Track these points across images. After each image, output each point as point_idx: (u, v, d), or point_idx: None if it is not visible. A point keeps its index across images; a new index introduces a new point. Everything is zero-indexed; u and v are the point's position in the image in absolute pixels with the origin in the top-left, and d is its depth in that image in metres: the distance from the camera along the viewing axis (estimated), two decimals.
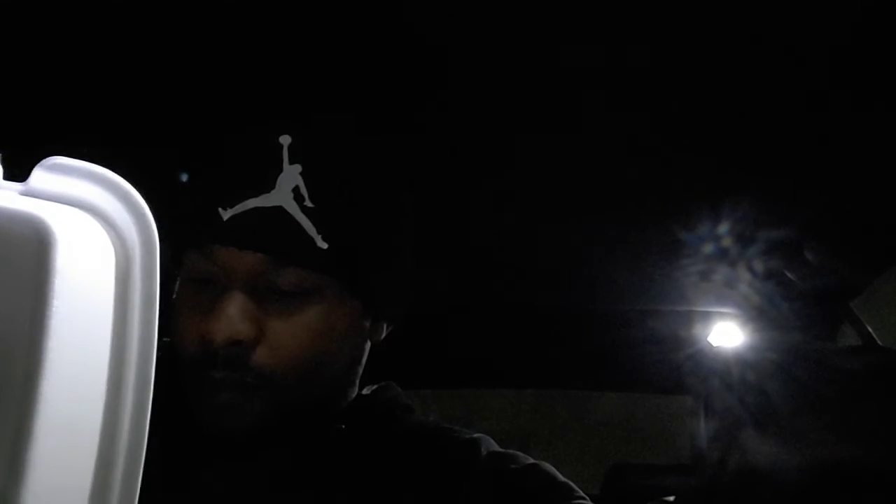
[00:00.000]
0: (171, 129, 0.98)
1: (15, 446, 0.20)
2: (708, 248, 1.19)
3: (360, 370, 0.71)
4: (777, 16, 0.76)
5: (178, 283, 0.65)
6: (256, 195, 0.60)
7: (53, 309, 0.21)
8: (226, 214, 0.60)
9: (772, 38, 0.79)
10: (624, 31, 0.80)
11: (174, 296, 0.65)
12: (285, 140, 0.62)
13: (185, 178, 0.80)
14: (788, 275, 1.25)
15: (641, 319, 1.54)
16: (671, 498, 0.97)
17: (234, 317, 0.59)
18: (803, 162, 1.02)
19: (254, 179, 0.61)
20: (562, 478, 0.66)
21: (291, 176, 0.61)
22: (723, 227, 1.13)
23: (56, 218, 0.22)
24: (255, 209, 0.60)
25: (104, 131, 0.98)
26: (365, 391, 0.73)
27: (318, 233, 0.60)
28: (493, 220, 1.23)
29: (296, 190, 0.61)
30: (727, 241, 1.16)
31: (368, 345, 0.70)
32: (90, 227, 0.23)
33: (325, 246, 0.61)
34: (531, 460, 0.68)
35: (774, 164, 1.03)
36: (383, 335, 0.71)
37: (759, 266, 1.24)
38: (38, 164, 0.24)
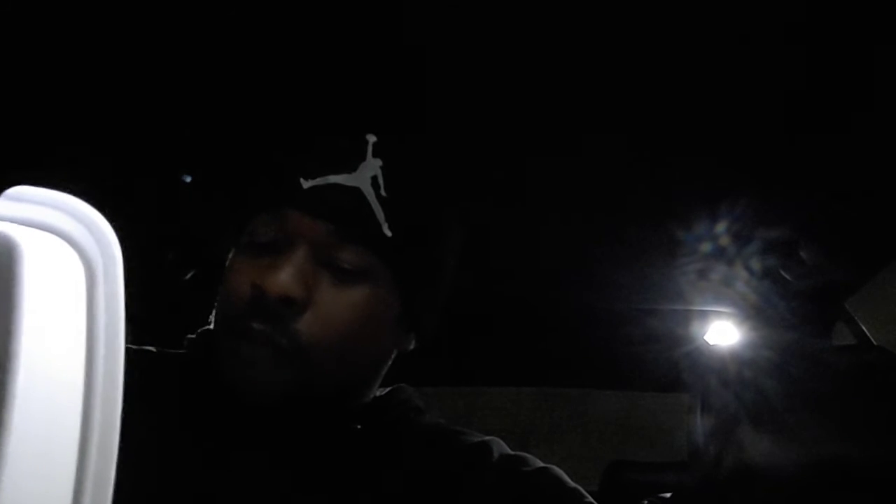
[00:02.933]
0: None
1: None
2: (705, 247, 1.20)
3: (382, 374, 0.72)
4: (772, 16, 0.76)
5: (236, 248, 0.66)
6: (338, 173, 0.64)
7: (24, 313, 0.22)
8: (307, 184, 0.63)
9: (767, 38, 0.80)
10: (623, 33, 0.80)
11: (230, 260, 0.66)
12: (371, 138, 0.66)
13: (269, 156, 0.82)
14: (784, 274, 1.26)
15: (639, 318, 1.55)
16: (668, 494, 0.98)
17: (292, 275, 0.60)
18: (799, 162, 1.02)
19: (339, 160, 0.65)
20: (571, 483, 0.66)
21: (372, 166, 0.65)
22: (720, 227, 1.14)
23: (22, 236, 0.23)
24: (336, 185, 0.63)
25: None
26: (378, 392, 0.73)
27: (386, 220, 0.64)
28: (492, 219, 1.24)
29: (374, 178, 0.64)
30: (724, 241, 1.17)
31: (395, 353, 0.71)
32: (55, 246, 0.24)
33: (389, 234, 0.64)
34: (541, 464, 0.68)
35: (771, 164, 1.03)
36: (410, 347, 0.72)
37: (755, 265, 1.25)
38: (2, 195, 0.25)
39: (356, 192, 0.63)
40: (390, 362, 0.72)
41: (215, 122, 1.01)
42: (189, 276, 1.34)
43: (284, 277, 0.60)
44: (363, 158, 0.65)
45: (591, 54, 0.83)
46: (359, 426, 0.67)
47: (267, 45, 0.86)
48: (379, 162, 0.65)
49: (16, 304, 0.22)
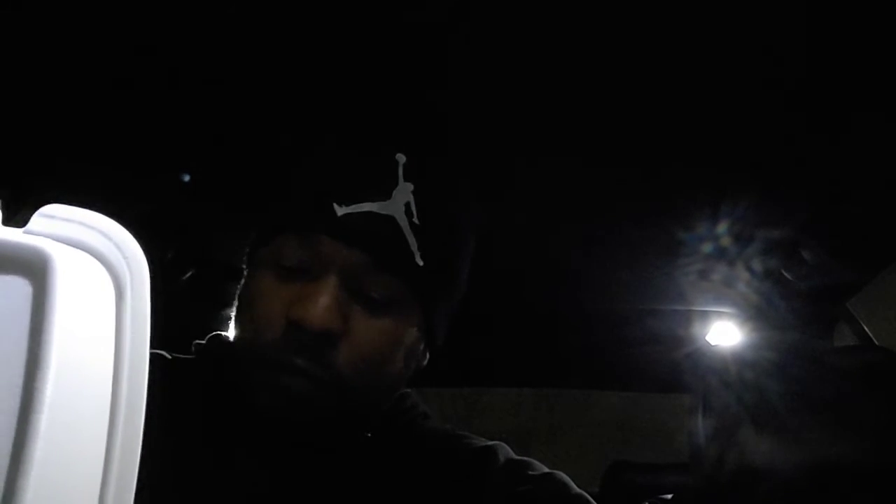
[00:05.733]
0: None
1: (18, 446, 0.21)
2: (706, 247, 1.19)
3: (396, 392, 0.72)
4: (771, 15, 0.76)
5: (259, 266, 0.66)
6: (373, 201, 0.63)
7: (55, 323, 0.23)
8: (341, 211, 0.62)
9: (767, 37, 0.80)
10: (624, 33, 0.80)
11: (252, 278, 0.66)
12: (401, 158, 0.65)
13: (295, 174, 0.80)
14: (786, 274, 1.25)
15: (640, 318, 1.55)
16: (669, 496, 0.97)
17: (330, 307, 0.60)
18: (801, 162, 1.02)
19: (373, 186, 0.64)
20: (576, 488, 0.67)
21: (405, 191, 0.64)
22: (721, 227, 1.13)
23: (55, 250, 0.24)
24: (370, 213, 0.62)
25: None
26: None
27: (419, 250, 0.64)
28: (492, 219, 1.23)
29: (407, 205, 0.64)
30: (725, 241, 1.17)
31: (414, 373, 0.72)
32: (85, 261, 0.25)
33: (420, 263, 0.64)
34: (546, 469, 0.69)
35: (772, 164, 1.03)
36: (425, 363, 0.72)
37: (756, 266, 1.25)
38: (37, 213, 0.26)
39: (391, 220, 0.63)
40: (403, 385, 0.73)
41: (220, 122, 1.01)
42: (187, 275, 1.34)
43: (322, 311, 0.59)
44: (395, 183, 0.64)
45: (591, 56, 0.83)
46: (369, 434, 0.67)
47: (278, 46, 0.86)
48: (410, 186, 0.64)
49: (47, 315, 0.23)
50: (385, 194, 0.63)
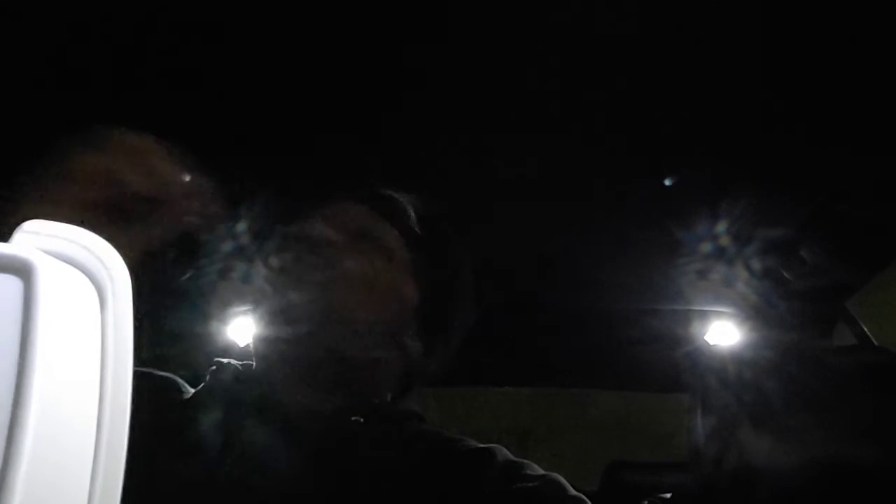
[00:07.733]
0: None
1: (8, 445, 0.22)
2: (706, 247, 1.20)
3: (393, 376, 0.74)
4: (771, 16, 0.76)
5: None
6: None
7: (39, 328, 0.24)
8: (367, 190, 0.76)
9: (767, 37, 0.80)
10: (624, 34, 0.80)
11: None
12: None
13: None
14: (785, 274, 1.25)
15: (639, 318, 1.55)
16: (668, 495, 0.97)
17: (327, 223, 0.71)
18: (801, 162, 1.02)
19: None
20: (573, 490, 0.67)
21: (412, 202, 0.76)
22: (720, 227, 1.13)
23: (38, 259, 0.25)
24: (384, 192, 0.76)
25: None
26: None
27: (418, 227, 0.74)
28: (493, 219, 1.23)
29: (413, 203, 0.76)
30: (725, 241, 1.17)
31: (408, 359, 0.74)
32: (68, 271, 0.26)
33: (418, 230, 0.73)
34: (543, 471, 0.69)
35: (772, 164, 1.03)
36: (421, 368, 0.75)
37: (756, 265, 1.25)
38: (18, 228, 0.27)
39: (400, 200, 0.75)
40: (401, 367, 0.74)
41: (220, 122, 1.01)
42: (187, 276, 1.34)
43: (320, 225, 0.71)
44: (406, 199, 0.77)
45: (591, 54, 0.83)
46: (361, 419, 0.67)
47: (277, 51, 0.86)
48: (417, 202, 0.76)
49: (32, 319, 0.24)
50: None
